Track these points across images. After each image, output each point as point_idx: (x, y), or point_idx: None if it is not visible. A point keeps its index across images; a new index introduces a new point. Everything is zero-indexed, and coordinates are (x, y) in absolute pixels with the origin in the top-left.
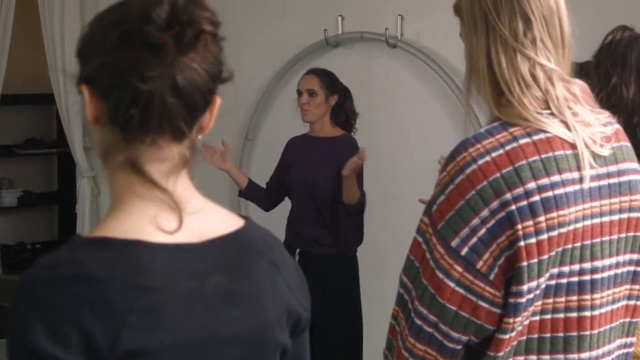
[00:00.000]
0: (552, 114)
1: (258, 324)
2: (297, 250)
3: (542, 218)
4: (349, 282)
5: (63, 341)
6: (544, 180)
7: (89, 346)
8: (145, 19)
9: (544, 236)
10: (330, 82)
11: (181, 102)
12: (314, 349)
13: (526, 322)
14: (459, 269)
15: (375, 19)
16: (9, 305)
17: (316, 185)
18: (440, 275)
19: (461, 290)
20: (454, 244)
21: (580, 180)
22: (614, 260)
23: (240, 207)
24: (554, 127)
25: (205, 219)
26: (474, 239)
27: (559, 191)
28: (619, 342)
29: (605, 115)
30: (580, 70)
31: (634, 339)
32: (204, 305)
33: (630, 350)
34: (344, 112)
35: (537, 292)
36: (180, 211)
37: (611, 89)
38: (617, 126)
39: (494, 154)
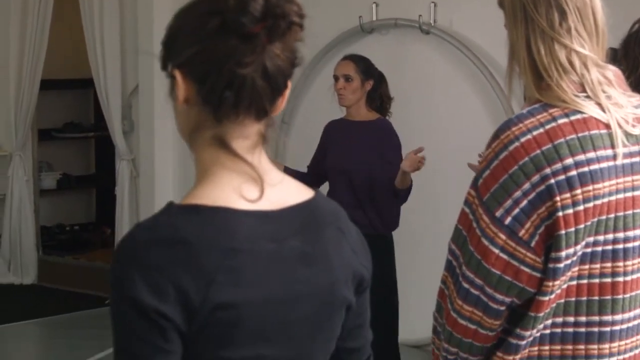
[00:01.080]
0: (587, 96)
1: (328, 283)
2: None
3: (578, 191)
4: (385, 261)
5: (161, 295)
6: (581, 157)
7: (184, 300)
8: (242, 11)
9: (581, 207)
10: (365, 67)
11: (268, 85)
12: None
13: (564, 286)
14: (503, 236)
15: (409, 5)
16: (111, 265)
17: (353, 168)
18: (486, 243)
19: (505, 256)
20: (498, 214)
21: (614, 157)
22: None
23: None
24: (590, 109)
25: (282, 189)
26: (517, 210)
27: (594, 167)
28: None
29: (637, 98)
30: (615, 56)
31: None
32: (283, 266)
33: None
34: (379, 96)
35: (574, 258)
36: (263, 182)
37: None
38: None
39: (535, 133)
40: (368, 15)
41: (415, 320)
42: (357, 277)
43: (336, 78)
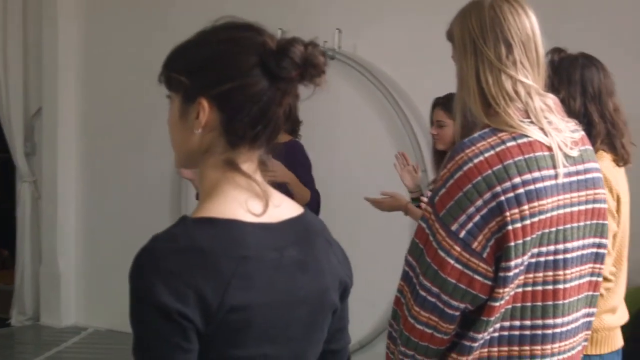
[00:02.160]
0: (531, 122)
1: (321, 288)
2: None
3: (526, 207)
4: None
5: (183, 299)
6: (527, 176)
7: (202, 303)
8: (284, 56)
9: (527, 222)
10: None
11: (286, 121)
12: None
13: (512, 293)
14: (458, 248)
15: (314, 32)
16: (131, 275)
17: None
18: (442, 254)
19: (459, 266)
20: (453, 228)
21: (556, 176)
22: (581, 242)
23: (181, 209)
24: (534, 133)
25: (280, 205)
26: (470, 224)
27: (539, 185)
28: (583, 311)
29: (572, 124)
30: None
31: (595, 310)
32: (283, 272)
33: (592, 318)
34: (290, 120)
35: (522, 267)
36: (267, 199)
37: (560, 102)
38: (582, 132)
39: (486, 154)
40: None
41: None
42: (342, 284)
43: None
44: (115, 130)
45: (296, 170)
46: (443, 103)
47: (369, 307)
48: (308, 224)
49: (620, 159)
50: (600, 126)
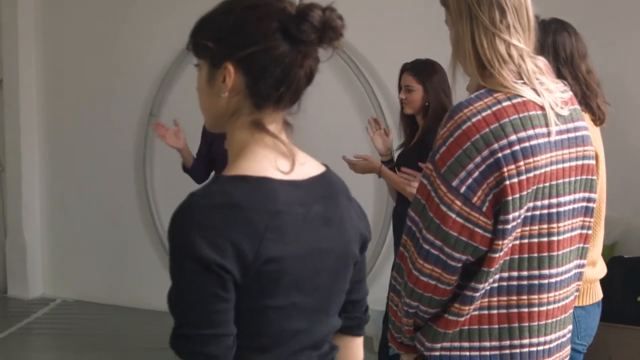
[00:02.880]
0: (524, 83)
1: (343, 241)
2: None
3: (521, 163)
4: None
5: (221, 251)
6: (522, 134)
7: (239, 255)
8: (303, 20)
9: (524, 177)
10: None
11: (307, 83)
12: None
13: (510, 245)
14: (459, 203)
15: None
16: (171, 231)
17: None
18: (444, 209)
19: (460, 220)
20: (454, 183)
21: (548, 134)
22: (572, 197)
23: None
24: (528, 93)
25: (305, 164)
26: (470, 180)
27: (534, 142)
28: (575, 262)
29: (561, 84)
30: None
31: (585, 261)
32: (310, 226)
33: (583, 270)
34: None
35: (519, 220)
36: (294, 157)
37: None
38: (571, 93)
39: (483, 114)
40: None
41: None
42: (362, 238)
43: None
44: (78, 101)
45: None
46: (412, 68)
47: None
48: (331, 182)
49: (597, 119)
50: (575, 88)
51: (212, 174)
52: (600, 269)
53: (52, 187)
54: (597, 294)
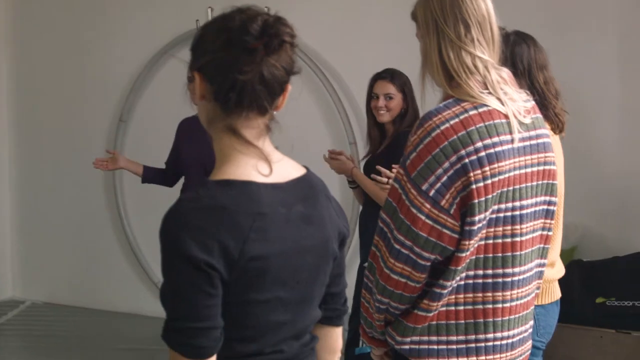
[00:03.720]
0: (490, 92)
1: (323, 239)
2: None
3: (487, 168)
4: None
5: (208, 250)
6: (488, 141)
7: (225, 254)
8: (244, 30)
9: (489, 181)
10: None
11: (265, 89)
12: None
13: (476, 245)
14: (428, 205)
15: None
16: (162, 232)
17: (209, 162)
18: (414, 211)
19: (430, 222)
20: (424, 187)
21: (512, 141)
22: (534, 200)
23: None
24: (493, 102)
25: (285, 166)
26: (439, 184)
27: (498, 149)
28: (536, 261)
29: (524, 94)
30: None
31: (546, 260)
32: (292, 225)
33: (543, 268)
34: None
35: (484, 222)
36: (270, 161)
37: None
38: (533, 102)
39: (451, 122)
40: (204, 19)
41: None
42: (340, 235)
43: (190, 79)
44: (48, 106)
45: None
46: (390, 77)
47: None
48: (311, 183)
49: (556, 127)
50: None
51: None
52: (558, 269)
53: (22, 190)
54: (556, 293)
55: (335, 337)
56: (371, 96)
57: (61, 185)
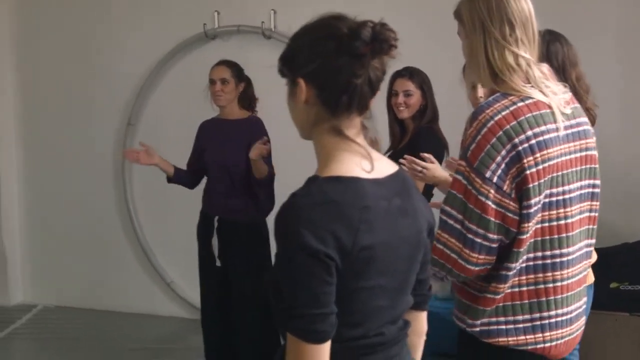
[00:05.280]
0: (532, 87)
1: (417, 229)
2: (216, 218)
3: (538, 154)
4: (261, 243)
5: (324, 241)
6: (537, 130)
7: (339, 245)
8: (355, 36)
9: (540, 167)
10: (238, 71)
11: (370, 89)
12: (235, 298)
13: (534, 228)
14: (493, 191)
15: (250, 13)
16: (280, 226)
17: (232, 161)
18: (482, 199)
19: (495, 206)
20: (487, 175)
21: (557, 129)
22: (579, 184)
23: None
24: (537, 94)
25: (382, 163)
26: (500, 170)
27: (547, 136)
28: (585, 242)
29: (562, 86)
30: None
31: (594, 240)
32: (391, 217)
33: (591, 249)
34: (248, 97)
35: (539, 205)
36: (372, 158)
37: None
38: (570, 94)
39: (503, 113)
40: (211, 23)
41: None
42: (429, 225)
43: (212, 81)
44: (56, 109)
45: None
46: (409, 74)
47: None
48: (405, 178)
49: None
50: None
51: (205, 179)
52: (593, 256)
53: (30, 194)
54: (590, 278)
55: (421, 321)
56: (391, 93)
57: (70, 188)
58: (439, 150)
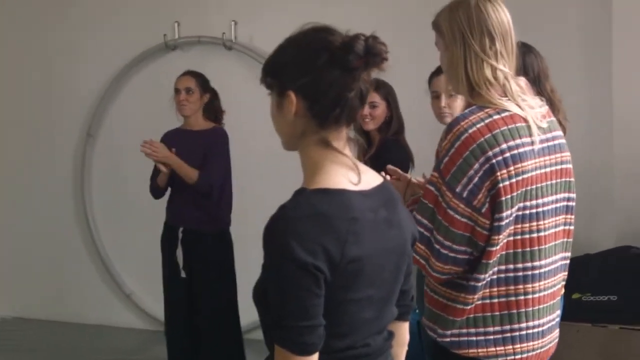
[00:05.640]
0: (509, 100)
1: (403, 240)
2: (180, 229)
3: (512, 168)
4: (225, 253)
5: (314, 254)
6: (511, 143)
7: (328, 257)
8: (348, 49)
9: (514, 180)
10: (203, 82)
11: (360, 102)
12: (201, 309)
13: (505, 241)
14: (462, 205)
15: (210, 24)
16: (269, 239)
17: (196, 168)
18: (451, 212)
19: (464, 220)
20: (458, 189)
21: (532, 143)
22: (554, 197)
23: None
24: (513, 107)
25: (368, 174)
26: (471, 185)
27: (521, 150)
28: (560, 255)
29: (538, 100)
30: None
31: (569, 254)
32: (378, 229)
33: (567, 262)
34: (214, 109)
35: (511, 218)
36: (359, 170)
37: None
38: (547, 107)
39: (478, 125)
40: (171, 33)
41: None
42: (413, 236)
43: (177, 91)
44: (13, 120)
45: (210, 152)
46: (375, 86)
47: None
48: (390, 190)
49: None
50: None
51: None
52: None
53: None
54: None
55: (404, 331)
56: None
57: (28, 198)
58: (405, 161)
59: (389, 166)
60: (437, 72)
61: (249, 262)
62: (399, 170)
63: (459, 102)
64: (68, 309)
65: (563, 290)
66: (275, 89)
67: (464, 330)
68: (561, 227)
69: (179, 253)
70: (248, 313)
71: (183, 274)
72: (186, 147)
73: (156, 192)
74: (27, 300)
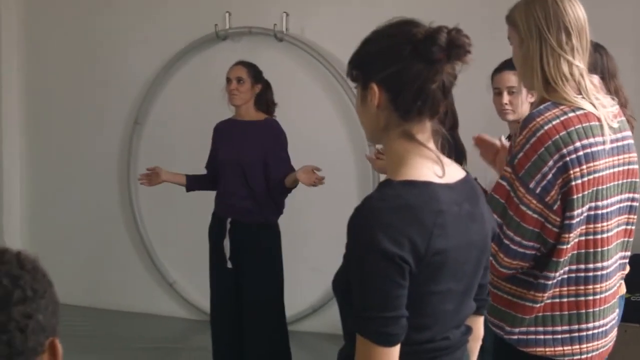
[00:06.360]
0: (583, 98)
1: (484, 234)
2: (229, 220)
3: (584, 166)
4: (273, 246)
5: (400, 245)
6: (585, 141)
7: (413, 248)
8: (432, 42)
9: (586, 179)
10: (255, 72)
11: (443, 95)
12: (246, 302)
13: (576, 240)
14: (535, 202)
15: (262, 15)
16: (354, 229)
17: (246, 163)
18: (523, 208)
19: (536, 216)
20: (531, 185)
21: (604, 142)
22: (618, 197)
23: (130, 187)
24: (588, 106)
25: (452, 168)
26: (545, 181)
27: (594, 149)
28: (620, 254)
29: (609, 99)
30: None
31: (628, 253)
32: (462, 222)
33: (626, 260)
34: (265, 101)
35: (582, 217)
36: (443, 163)
37: None
38: (618, 107)
39: (553, 122)
40: (222, 23)
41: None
42: (493, 231)
43: (229, 80)
44: (61, 108)
45: (275, 148)
46: None
47: (318, 275)
48: (472, 184)
49: None
50: None
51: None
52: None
53: (34, 193)
54: (622, 289)
55: (479, 325)
56: None
57: (74, 187)
58: (458, 157)
59: (479, 135)
60: (499, 68)
61: (295, 255)
62: (488, 138)
63: (520, 99)
64: (111, 297)
65: (624, 289)
66: (360, 82)
67: (532, 329)
68: (622, 227)
69: (226, 243)
70: (292, 305)
71: (229, 265)
72: (239, 136)
73: (200, 188)
74: (70, 288)
